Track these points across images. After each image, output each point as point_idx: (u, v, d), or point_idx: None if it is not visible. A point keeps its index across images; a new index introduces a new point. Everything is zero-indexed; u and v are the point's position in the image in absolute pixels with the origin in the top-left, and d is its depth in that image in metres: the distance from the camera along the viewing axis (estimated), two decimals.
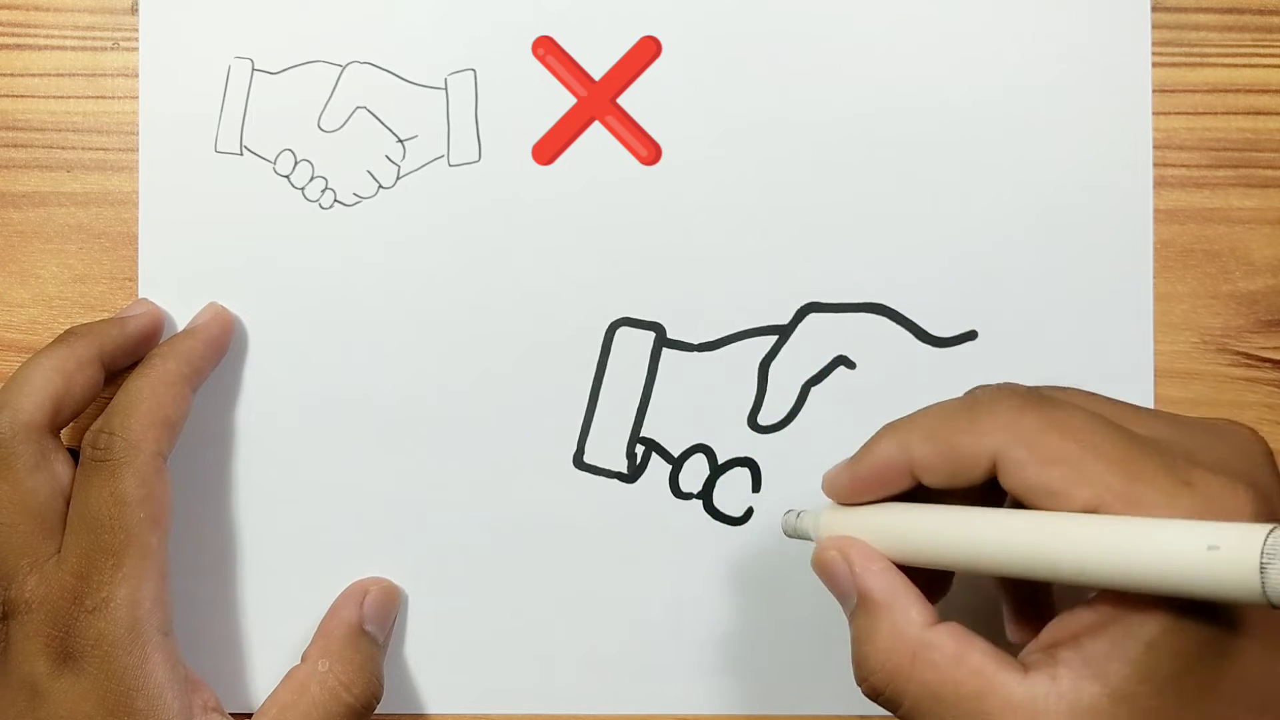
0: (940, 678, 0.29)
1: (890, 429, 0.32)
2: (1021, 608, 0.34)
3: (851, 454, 0.33)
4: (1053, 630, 0.29)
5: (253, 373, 0.40)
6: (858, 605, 0.31)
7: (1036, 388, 0.31)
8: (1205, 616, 0.27)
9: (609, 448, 0.40)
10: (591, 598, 0.40)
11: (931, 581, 0.32)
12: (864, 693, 0.30)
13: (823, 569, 0.32)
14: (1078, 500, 0.28)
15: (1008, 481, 0.29)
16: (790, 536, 0.35)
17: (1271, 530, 0.24)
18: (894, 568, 0.31)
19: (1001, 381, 0.32)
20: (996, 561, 0.29)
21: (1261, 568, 0.24)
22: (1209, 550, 0.25)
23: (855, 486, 0.32)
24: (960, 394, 0.32)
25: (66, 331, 0.37)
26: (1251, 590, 0.24)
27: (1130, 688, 0.27)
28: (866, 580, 0.31)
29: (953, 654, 0.29)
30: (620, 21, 0.40)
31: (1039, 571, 0.28)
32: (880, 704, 0.30)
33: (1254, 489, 0.27)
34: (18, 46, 0.40)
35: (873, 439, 0.32)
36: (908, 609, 0.30)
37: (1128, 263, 0.39)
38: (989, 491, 0.30)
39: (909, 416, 0.32)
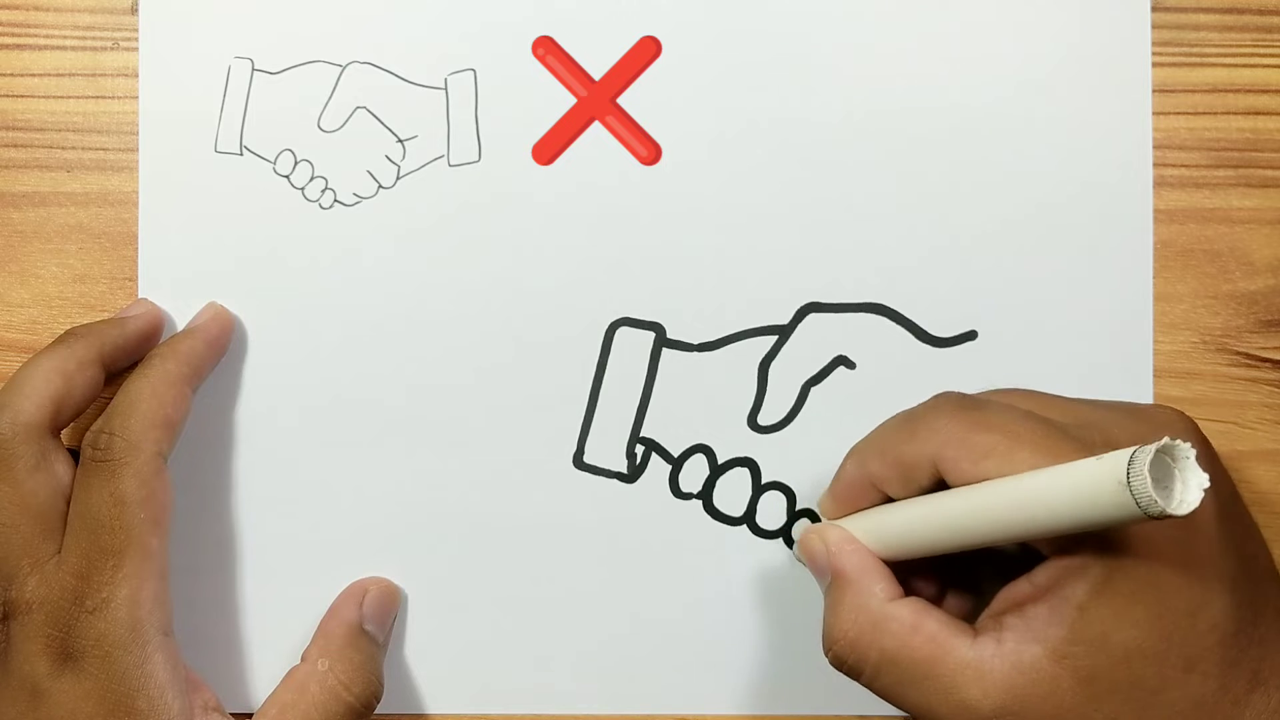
0: (898, 644, 0.32)
1: (852, 451, 0.35)
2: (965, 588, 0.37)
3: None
4: (1000, 599, 0.32)
5: (253, 373, 0.40)
6: (830, 582, 0.34)
7: (971, 394, 0.35)
8: (1131, 580, 0.30)
9: (609, 448, 0.40)
10: (591, 598, 0.40)
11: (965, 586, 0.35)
12: (830, 661, 0.33)
13: (805, 552, 0.36)
14: None
15: (950, 480, 0.32)
16: (800, 561, 0.37)
17: (1138, 449, 0.26)
18: (865, 549, 0.34)
19: (944, 391, 0.35)
20: (936, 536, 0.32)
21: (1128, 473, 0.26)
22: (1095, 463, 0.27)
23: (836, 506, 0.36)
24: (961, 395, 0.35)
25: (66, 332, 0.37)
26: (1122, 497, 0.26)
27: (1066, 648, 0.30)
28: (839, 559, 0.34)
29: (910, 624, 0.32)
30: (620, 21, 0.40)
31: (969, 536, 0.31)
32: (844, 672, 0.33)
33: None
34: (18, 46, 0.40)
35: (842, 463, 0.36)
36: (872, 584, 0.33)
37: (1128, 263, 0.39)
38: None
39: (864, 438, 0.35)
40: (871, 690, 0.33)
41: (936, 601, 0.35)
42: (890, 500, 0.34)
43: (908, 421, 0.34)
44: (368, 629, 0.38)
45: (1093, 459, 0.28)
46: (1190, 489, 0.27)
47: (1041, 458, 0.30)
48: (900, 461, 0.33)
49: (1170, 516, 0.26)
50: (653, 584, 0.40)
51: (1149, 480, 0.26)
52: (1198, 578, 0.30)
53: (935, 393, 0.35)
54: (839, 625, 0.33)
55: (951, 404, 0.33)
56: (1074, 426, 0.32)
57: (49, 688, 0.34)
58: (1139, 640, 0.30)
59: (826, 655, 0.33)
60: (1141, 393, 0.39)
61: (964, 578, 0.36)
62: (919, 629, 0.32)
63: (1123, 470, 0.26)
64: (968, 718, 0.30)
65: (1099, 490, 0.27)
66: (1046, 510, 0.29)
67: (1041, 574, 0.31)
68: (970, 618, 0.33)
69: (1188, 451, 0.27)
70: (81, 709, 0.33)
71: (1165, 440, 0.27)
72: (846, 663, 0.33)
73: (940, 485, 0.33)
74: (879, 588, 0.33)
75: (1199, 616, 0.30)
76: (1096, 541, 0.30)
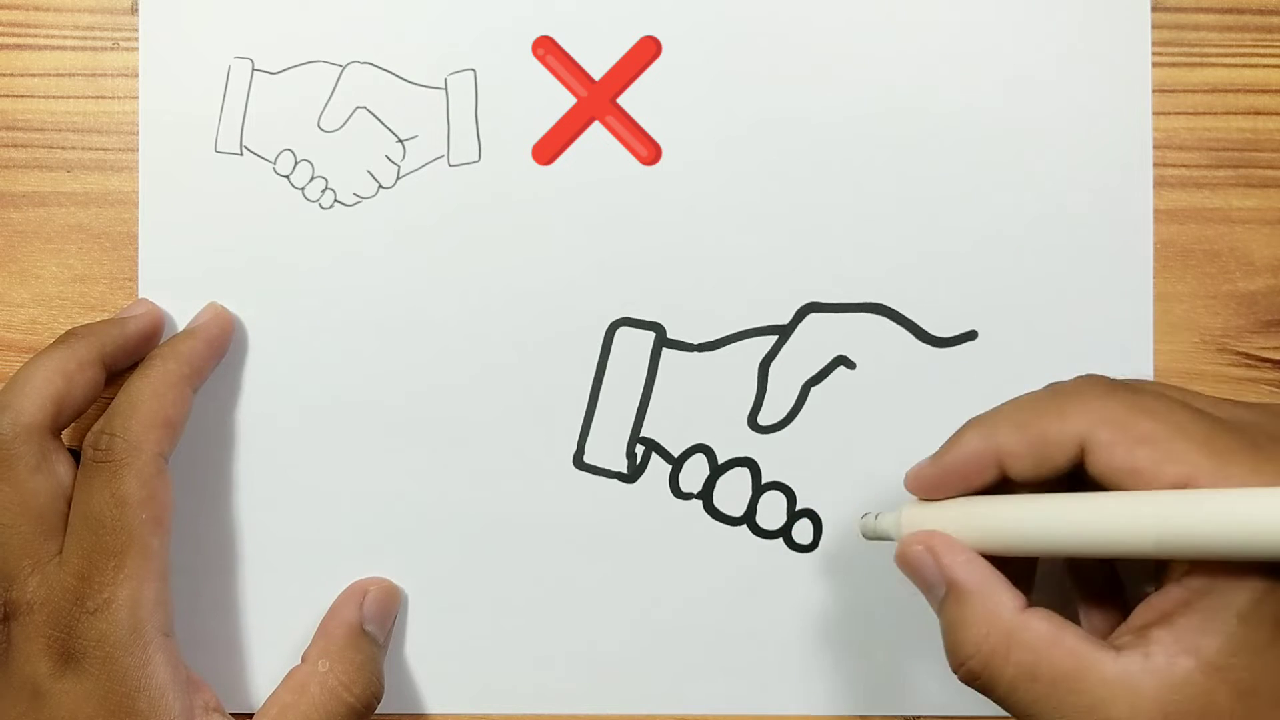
0: (1036, 659, 0.29)
1: (975, 422, 0.32)
2: (1096, 599, 0.34)
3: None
4: (1142, 613, 0.30)
5: (253, 373, 0.40)
6: (947, 595, 0.31)
7: (1118, 379, 0.32)
8: None
9: (609, 448, 0.40)
10: (591, 598, 0.40)
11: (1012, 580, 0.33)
12: (960, 678, 0.31)
13: (907, 564, 0.33)
14: (1166, 478, 0.28)
15: (1096, 465, 0.30)
16: (870, 539, 0.35)
17: None
18: (980, 557, 0.31)
19: (1087, 374, 0.32)
20: (1091, 542, 0.29)
21: None
22: None
23: (941, 480, 0.33)
24: (961, 398, 0.34)
25: (67, 332, 0.37)
26: None
27: (1223, 660, 0.28)
28: (955, 571, 0.31)
29: (1048, 636, 0.29)
30: (620, 21, 0.40)
31: (1136, 547, 0.29)
32: (976, 688, 0.31)
33: None
34: (18, 46, 0.40)
35: (957, 433, 0.32)
36: (999, 595, 0.31)
37: (1128, 263, 0.39)
38: (1069, 485, 0.31)
39: (993, 410, 0.32)
40: (1004, 707, 0.31)
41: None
42: (1001, 483, 0.32)
43: (1055, 396, 0.31)
44: (368, 629, 0.38)
45: None
46: None
47: (1204, 454, 0.28)
48: (1042, 437, 0.30)
49: None
50: (653, 584, 0.40)
51: None
52: None
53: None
54: (970, 640, 0.30)
55: (1104, 384, 0.31)
56: (1235, 422, 0.30)
57: (50, 688, 0.34)
58: None
59: (957, 671, 0.31)
60: None
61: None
62: (1058, 642, 0.29)
63: None
64: None
65: None
66: (1241, 537, 0.27)
67: (1189, 583, 0.29)
68: None
69: None
70: (82, 710, 0.33)
71: None
72: (980, 679, 0.31)
73: (1070, 472, 0.31)
74: (1006, 598, 0.30)
75: None
76: None
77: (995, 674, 0.30)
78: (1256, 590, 0.28)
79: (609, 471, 0.40)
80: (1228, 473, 0.28)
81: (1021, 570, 0.33)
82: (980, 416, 0.32)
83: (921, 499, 0.33)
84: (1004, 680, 0.30)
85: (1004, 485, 0.32)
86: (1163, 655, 0.28)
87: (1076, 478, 0.31)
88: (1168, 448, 0.29)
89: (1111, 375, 0.38)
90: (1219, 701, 0.28)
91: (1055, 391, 0.31)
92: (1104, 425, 0.30)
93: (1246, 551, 0.27)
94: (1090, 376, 0.32)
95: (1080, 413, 0.30)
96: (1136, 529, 0.28)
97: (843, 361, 0.40)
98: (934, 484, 0.33)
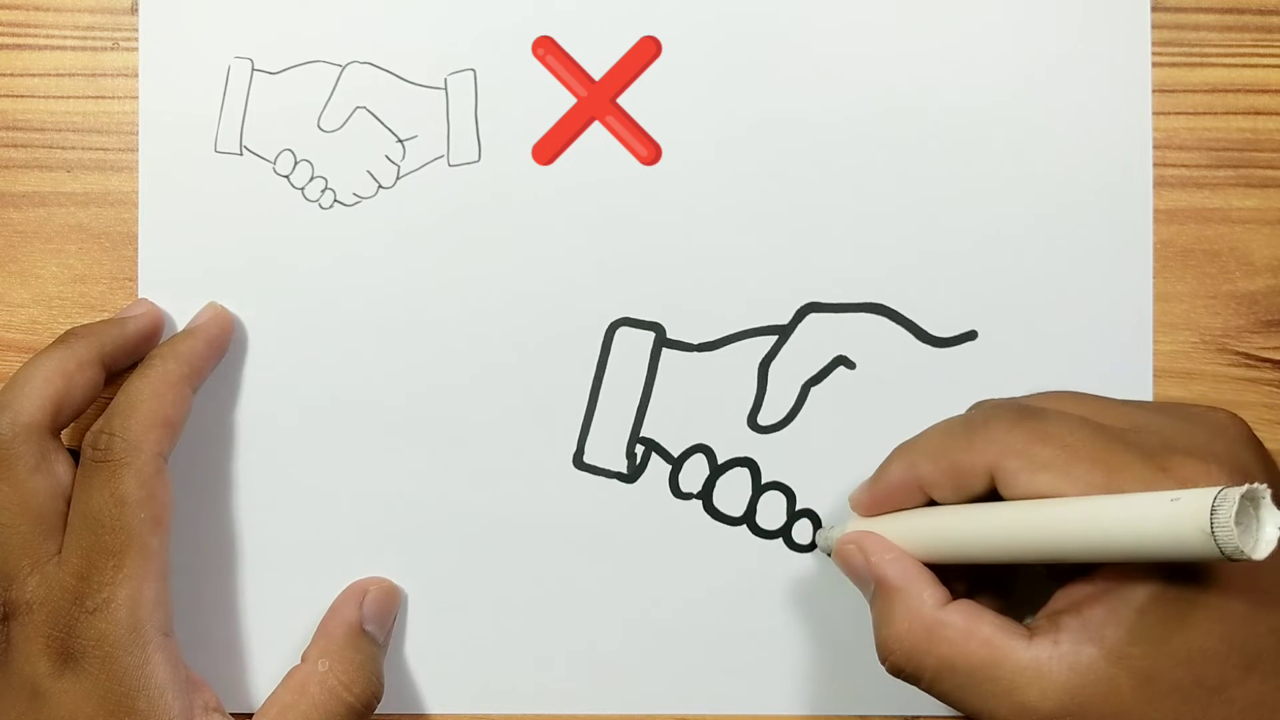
0: (954, 651, 0.32)
1: (899, 450, 0.35)
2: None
3: (866, 469, 0.36)
4: (1056, 600, 0.32)
5: (253, 373, 0.40)
6: (875, 591, 0.34)
7: (1027, 402, 0.34)
8: (1191, 583, 0.30)
9: (609, 448, 0.40)
10: (591, 598, 0.40)
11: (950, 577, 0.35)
12: (887, 670, 0.33)
13: (842, 561, 0.35)
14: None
15: (1006, 491, 0.32)
16: (826, 553, 0.38)
17: (1221, 489, 0.26)
18: (907, 556, 0.34)
19: (996, 398, 0.36)
20: (991, 549, 0.32)
21: (1211, 521, 0.26)
22: (1170, 503, 0.27)
23: (874, 504, 0.35)
24: (961, 398, 0.36)
25: (67, 332, 0.37)
26: (1205, 543, 0.26)
27: (1124, 649, 0.30)
28: (882, 569, 0.34)
29: (964, 629, 0.32)
30: (620, 21, 0.40)
31: (1029, 553, 0.31)
32: (903, 679, 0.33)
33: (1230, 468, 0.30)
34: (18, 46, 0.40)
35: (885, 461, 0.35)
36: (920, 592, 0.33)
37: (1128, 263, 0.39)
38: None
39: (915, 438, 0.35)
40: (931, 695, 0.32)
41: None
42: (931, 504, 0.34)
43: (965, 428, 0.33)
44: (368, 629, 0.38)
45: (1166, 496, 0.27)
46: (1266, 528, 0.27)
47: (1100, 472, 0.30)
48: (955, 468, 0.33)
49: (1248, 559, 0.26)
50: (653, 584, 0.40)
51: (1234, 530, 0.26)
52: (1258, 580, 0.30)
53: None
54: (893, 635, 0.33)
55: (1010, 412, 0.33)
56: (1130, 432, 0.32)
57: (49, 688, 0.34)
58: (1199, 641, 0.30)
59: (883, 664, 0.33)
60: (1141, 393, 0.39)
61: (995, 579, 0.36)
62: (973, 633, 0.31)
63: (1206, 519, 0.26)
64: (1028, 719, 0.30)
65: (1178, 531, 0.27)
66: (1115, 540, 0.28)
67: (1100, 576, 0.31)
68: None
69: (1264, 493, 0.27)
70: (82, 709, 0.33)
71: (1248, 487, 0.26)
72: (904, 671, 0.33)
73: (990, 493, 0.32)
74: (927, 594, 0.33)
75: (1259, 618, 0.30)
76: None
77: (918, 666, 0.32)
78: (1155, 588, 0.30)
79: (609, 471, 0.40)
80: (1121, 488, 0.30)
81: (959, 567, 0.34)
82: (905, 445, 0.35)
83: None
84: (926, 672, 0.32)
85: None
86: (1070, 643, 0.30)
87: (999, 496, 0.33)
88: (1066, 471, 0.31)
89: (1110, 375, 0.39)
90: (1120, 687, 0.30)
91: (967, 422, 0.34)
92: (1008, 455, 0.32)
93: (1116, 551, 0.29)
94: (1001, 404, 0.34)
95: (986, 444, 0.32)
96: (1026, 536, 0.31)
97: (843, 361, 0.40)
98: (869, 508, 0.36)
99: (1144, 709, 0.30)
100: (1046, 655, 0.30)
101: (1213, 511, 0.26)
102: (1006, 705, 0.31)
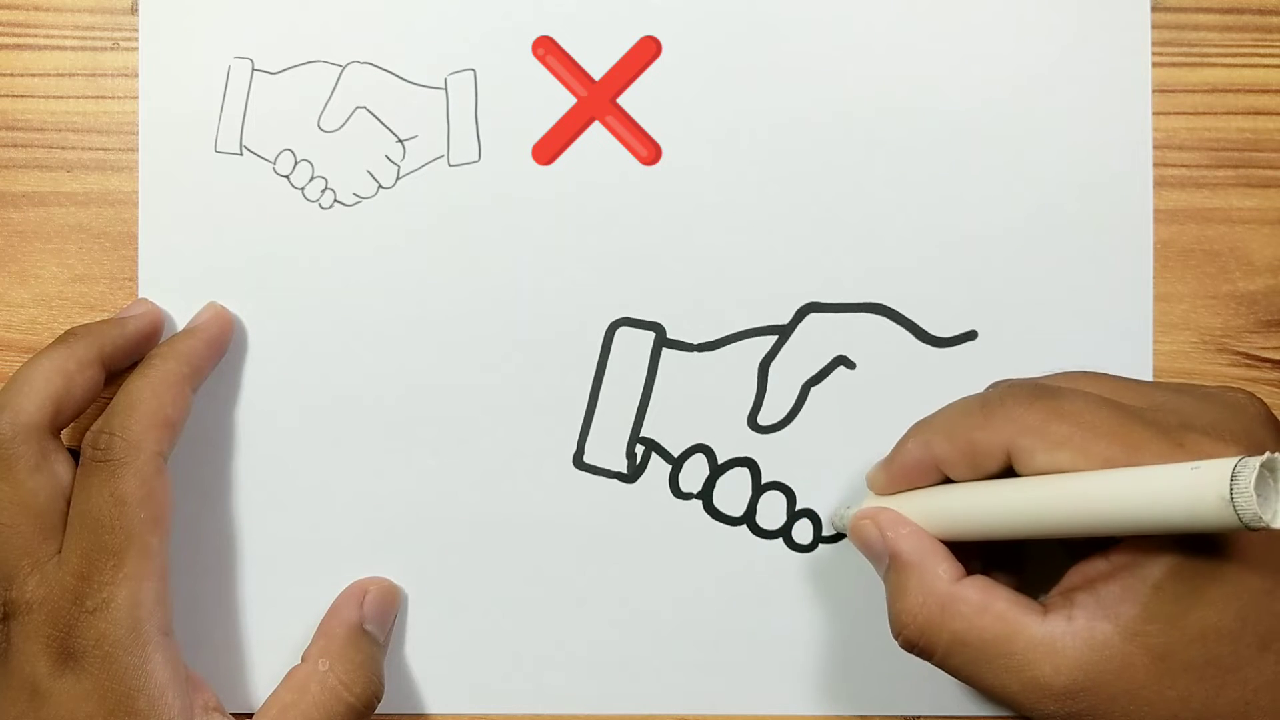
0: (968, 625, 0.32)
1: (916, 429, 0.35)
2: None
3: (866, 469, 0.37)
4: (1071, 577, 0.32)
5: (253, 373, 0.40)
6: (890, 566, 0.34)
7: (1043, 381, 0.34)
8: (1206, 560, 0.30)
9: (609, 448, 0.40)
10: (591, 598, 0.40)
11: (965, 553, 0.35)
12: (900, 644, 0.33)
13: (857, 536, 0.35)
14: None
15: (1022, 469, 0.32)
16: (841, 531, 0.38)
17: (1241, 458, 0.26)
18: (922, 531, 0.34)
19: (1012, 378, 0.35)
20: (1010, 525, 0.32)
21: (1231, 489, 0.26)
22: (1191, 471, 0.27)
23: (890, 482, 0.35)
24: (964, 393, 0.35)
25: (66, 332, 0.37)
26: (1225, 511, 0.26)
27: (1139, 626, 0.30)
28: (897, 543, 0.34)
29: (978, 603, 0.32)
30: (620, 21, 0.40)
31: (1047, 528, 0.31)
32: (916, 654, 0.33)
33: (1247, 445, 0.31)
34: (18, 46, 0.40)
35: (901, 439, 0.35)
36: (935, 566, 0.33)
37: (1127, 263, 0.39)
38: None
39: (932, 416, 0.35)
40: (944, 670, 0.32)
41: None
42: (947, 481, 0.34)
43: (982, 406, 0.33)
44: (368, 629, 0.38)
45: (1186, 466, 0.28)
46: None
47: (1118, 448, 0.30)
48: (971, 447, 0.33)
49: (1267, 529, 0.26)
50: (653, 584, 0.40)
51: (1254, 498, 0.26)
52: (1272, 557, 0.30)
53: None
54: (906, 609, 0.33)
55: (1026, 391, 0.33)
56: (1148, 410, 0.32)
57: (49, 688, 0.34)
58: (1214, 619, 0.30)
59: (896, 639, 0.33)
60: None
61: (1009, 557, 0.36)
62: (987, 608, 0.31)
63: (1225, 486, 0.26)
64: (1040, 695, 0.31)
65: (1197, 501, 0.27)
66: (1135, 511, 0.28)
67: (1115, 553, 0.31)
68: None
69: None
70: (82, 709, 0.33)
71: (1268, 455, 0.27)
72: (917, 646, 0.33)
73: (1007, 472, 0.32)
74: (942, 569, 0.33)
75: (1274, 595, 0.30)
76: None
77: (931, 641, 0.32)
78: (1171, 565, 0.30)
79: (609, 471, 0.40)
80: (1140, 464, 0.30)
81: (973, 546, 0.34)
82: (921, 423, 0.35)
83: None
84: (940, 647, 0.32)
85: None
86: (1084, 619, 0.30)
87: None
88: (1083, 448, 0.31)
89: (1110, 375, 0.39)
90: (1134, 664, 0.30)
91: (984, 401, 0.33)
92: (1025, 433, 0.32)
93: (1136, 523, 0.29)
94: (1017, 383, 0.34)
95: (1003, 421, 0.32)
96: (1045, 510, 0.31)
97: (843, 361, 0.40)
98: (885, 486, 0.36)
99: (1157, 686, 0.30)
100: (1060, 631, 0.30)
101: (1233, 479, 0.26)
102: (1019, 680, 0.31)
